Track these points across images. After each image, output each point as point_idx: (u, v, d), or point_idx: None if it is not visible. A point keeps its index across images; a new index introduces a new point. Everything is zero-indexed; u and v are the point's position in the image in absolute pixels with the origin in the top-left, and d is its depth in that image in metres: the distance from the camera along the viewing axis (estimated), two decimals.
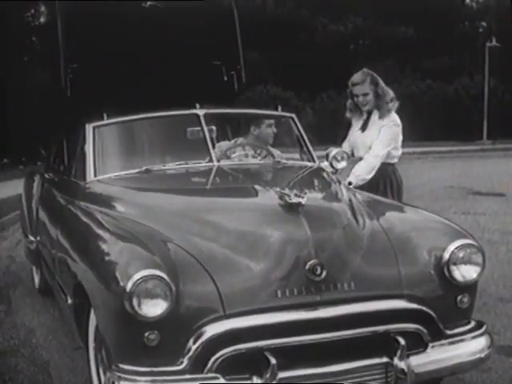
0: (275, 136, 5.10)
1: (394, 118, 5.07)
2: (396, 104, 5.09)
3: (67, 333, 4.58)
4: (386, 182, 5.00)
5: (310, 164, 4.69)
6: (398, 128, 5.08)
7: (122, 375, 2.91)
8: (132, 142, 4.82)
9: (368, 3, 33.46)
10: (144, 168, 4.24)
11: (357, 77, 5.09)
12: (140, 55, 5.12)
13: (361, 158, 4.97)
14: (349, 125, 5.31)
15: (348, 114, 5.23)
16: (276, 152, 4.92)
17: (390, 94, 5.06)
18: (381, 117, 5.01)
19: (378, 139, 4.97)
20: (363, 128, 5.10)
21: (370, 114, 5.09)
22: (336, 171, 4.54)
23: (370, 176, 4.86)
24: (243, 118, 5.22)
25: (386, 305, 3.16)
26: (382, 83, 5.06)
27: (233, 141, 5.08)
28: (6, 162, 18.90)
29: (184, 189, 4.23)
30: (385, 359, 3.09)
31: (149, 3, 5.39)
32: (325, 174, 4.39)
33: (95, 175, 4.29)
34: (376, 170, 4.90)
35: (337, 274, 3.09)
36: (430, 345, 3.21)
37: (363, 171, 4.86)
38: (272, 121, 5.05)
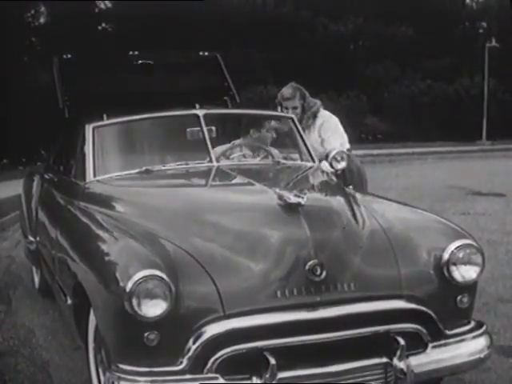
0: (275, 136, 5.11)
1: (322, 114, 5.39)
2: (321, 109, 5.41)
3: (67, 333, 4.58)
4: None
5: (309, 164, 4.69)
6: (331, 119, 5.40)
7: (122, 375, 2.91)
8: (132, 143, 4.82)
9: (368, 3, 33.45)
10: (144, 168, 4.25)
11: (287, 92, 5.38)
12: (134, 95, 5.27)
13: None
14: None
15: (276, 124, 5.33)
16: (274, 151, 4.92)
17: (317, 104, 5.41)
18: (307, 127, 5.31)
19: (324, 138, 5.26)
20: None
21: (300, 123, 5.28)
22: (336, 171, 4.54)
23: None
24: (243, 121, 5.21)
25: (386, 305, 3.17)
26: (308, 97, 5.39)
27: (230, 144, 5.07)
28: (6, 163, 18.90)
29: (184, 189, 4.24)
30: (384, 359, 3.09)
31: (140, 62, 5.70)
32: (324, 175, 4.39)
33: (95, 175, 4.29)
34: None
35: (336, 274, 3.09)
36: (430, 345, 3.21)
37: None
38: (274, 125, 5.05)
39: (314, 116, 5.36)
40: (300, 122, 5.26)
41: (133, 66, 5.68)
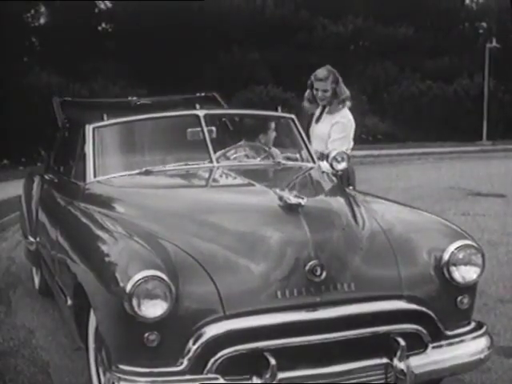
0: (275, 136, 5.13)
1: (345, 113, 5.38)
2: (349, 103, 5.41)
3: (67, 334, 4.58)
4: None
5: (309, 165, 4.69)
6: (349, 123, 5.38)
7: (122, 376, 2.91)
8: (132, 143, 4.82)
9: (368, 4, 33.43)
10: (144, 169, 4.25)
11: (321, 72, 5.39)
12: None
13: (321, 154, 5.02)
14: (310, 116, 5.59)
15: (306, 104, 5.54)
16: (275, 151, 4.93)
17: (347, 93, 5.39)
18: (331, 112, 5.36)
19: (333, 137, 5.25)
20: (317, 120, 5.44)
21: (324, 106, 5.42)
22: (336, 172, 4.54)
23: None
24: (249, 125, 5.20)
25: (386, 305, 3.17)
26: (341, 82, 5.38)
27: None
28: (6, 163, 18.88)
29: (184, 190, 4.24)
30: (384, 360, 3.10)
31: (139, 102, 5.95)
32: (324, 175, 4.39)
33: (95, 176, 4.29)
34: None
35: (336, 274, 3.09)
36: (430, 345, 3.22)
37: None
38: (273, 125, 5.07)
39: (344, 103, 5.36)
40: (329, 104, 5.35)
41: (132, 106, 5.88)
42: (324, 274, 3.03)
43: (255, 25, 30.31)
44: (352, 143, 5.42)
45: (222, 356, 2.90)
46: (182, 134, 4.57)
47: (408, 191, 11.89)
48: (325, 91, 5.33)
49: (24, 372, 4.31)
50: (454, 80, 31.68)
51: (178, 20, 27.17)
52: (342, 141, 5.22)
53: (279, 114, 5.12)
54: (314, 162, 4.73)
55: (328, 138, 5.30)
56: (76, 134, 4.82)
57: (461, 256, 3.29)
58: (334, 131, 5.30)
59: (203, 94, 6.17)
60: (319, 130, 5.39)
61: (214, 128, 4.58)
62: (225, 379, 2.90)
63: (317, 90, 5.37)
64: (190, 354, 2.91)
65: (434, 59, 32.79)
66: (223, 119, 5.62)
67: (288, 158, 4.85)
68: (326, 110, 5.41)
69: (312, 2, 32.80)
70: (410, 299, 3.19)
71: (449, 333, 3.29)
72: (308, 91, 5.51)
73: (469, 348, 3.33)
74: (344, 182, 5.00)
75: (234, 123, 5.59)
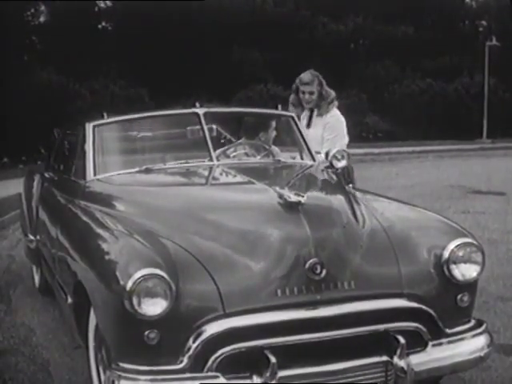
0: (275, 135, 5.14)
1: (335, 113, 5.51)
2: (336, 103, 5.54)
3: (67, 332, 4.58)
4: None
5: (309, 163, 4.69)
6: (338, 122, 5.50)
7: (122, 374, 2.91)
8: (132, 141, 4.82)
9: (368, 2, 33.43)
10: (144, 167, 4.25)
11: (306, 76, 5.54)
12: None
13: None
14: None
15: (291, 108, 5.60)
16: (275, 149, 4.93)
17: (332, 94, 5.54)
18: (321, 114, 5.48)
19: (325, 138, 5.35)
20: (308, 125, 5.53)
21: (312, 111, 5.55)
22: (336, 170, 4.54)
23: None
24: (251, 123, 5.19)
25: (386, 303, 3.17)
26: (325, 85, 5.53)
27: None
28: (6, 161, 18.90)
29: (184, 188, 4.24)
30: (385, 358, 3.09)
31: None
32: (324, 173, 4.39)
33: (95, 174, 4.29)
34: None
35: (337, 272, 3.09)
36: (430, 343, 3.21)
37: None
38: (274, 123, 5.09)
39: (332, 103, 5.49)
40: (317, 108, 5.48)
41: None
42: (324, 272, 3.03)
43: (255, 24, 30.30)
44: (347, 138, 5.50)
45: (222, 354, 2.90)
46: (181, 132, 4.56)
47: (408, 189, 11.91)
48: (311, 93, 5.48)
49: (24, 370, 4.32)
50: (454, 78, 31.70)
51: (177, 20, 27.16)
52: (332, 141, 5.30)
53: (279, 112, 5.12)
54: (314, 160, 4.73)
55: (322, 139, 5.37)
56: (76, 132, 4.82)
57: (461, 254, 3.28)
58: (326, 133, 5.40)
59: None
60: (312, 134, 5.37)
61: (214, 126, 4.57)
62: (225, 377, 2.90)
63: (303, 93, 5.51)
64: (190, 352, 2.91)
65: (435, 58, 32.81)
66: (228, 138, 5.61)
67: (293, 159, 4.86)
68: (315, 113, 5.52)
69: (312, 1, 32.80)
70: (410, 297, 3.19)
71: (449, 331, 3.29)
72: (293, 96, 5.65)
73: (469, 346, 3.33)
74: (344, 179, 5.01)
75: (235, 121, 5.58)
